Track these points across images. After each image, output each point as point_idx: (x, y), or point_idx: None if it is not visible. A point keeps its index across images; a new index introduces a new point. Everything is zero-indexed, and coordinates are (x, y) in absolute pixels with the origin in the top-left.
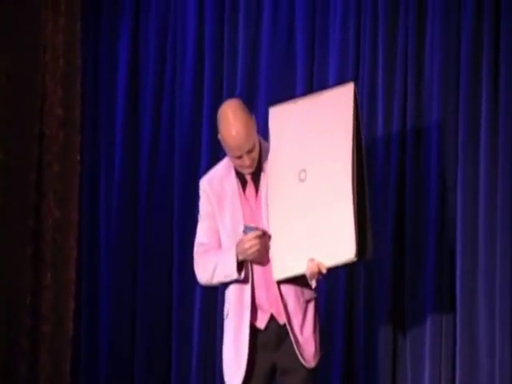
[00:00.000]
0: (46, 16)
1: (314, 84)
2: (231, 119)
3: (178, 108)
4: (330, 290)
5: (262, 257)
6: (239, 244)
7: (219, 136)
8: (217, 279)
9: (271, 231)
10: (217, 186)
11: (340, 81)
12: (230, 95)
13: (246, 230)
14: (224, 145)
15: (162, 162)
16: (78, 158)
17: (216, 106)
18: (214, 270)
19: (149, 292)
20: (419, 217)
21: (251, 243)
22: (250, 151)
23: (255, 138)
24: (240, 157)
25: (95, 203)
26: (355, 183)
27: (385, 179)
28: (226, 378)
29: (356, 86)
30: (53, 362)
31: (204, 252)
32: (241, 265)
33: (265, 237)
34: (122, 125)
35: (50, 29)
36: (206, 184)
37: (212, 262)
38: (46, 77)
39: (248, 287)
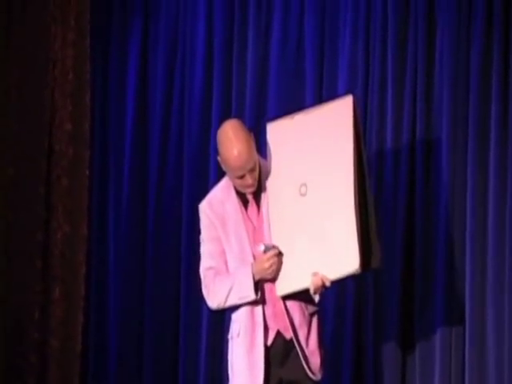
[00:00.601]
0: (55, 31)
1: (324, 98)
2: (233, 139)
3: (187, 122)
4: (338, 304)
5: (277, 274)
6: (257, 263)
7: (219, 158)
8: (230, 302)
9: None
10: (218, 208)
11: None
12: (239, 109)
13: (267, 249)
14: (225, 166)
15: (171, 176)
16: (87, 172)
17: (225, 120)
18: (229, 293)
19: (157, 306)
20: (429, 230)
21: (270, 262)
22: (252, 170)
23: (256, 156)
24: (242, 176)
25: (104, 218)
26: (357, 194)
27: (394, 191)
28: None
29: (355, 98)
30: (62, 377)
31: (214, 276)
32: (256, 285)
33: (280, 255)
34: (131, 139)
35: (60, 44)
36: (207, 208)
37: (226, 285)
38: (56, 92)
39: (259, 305)
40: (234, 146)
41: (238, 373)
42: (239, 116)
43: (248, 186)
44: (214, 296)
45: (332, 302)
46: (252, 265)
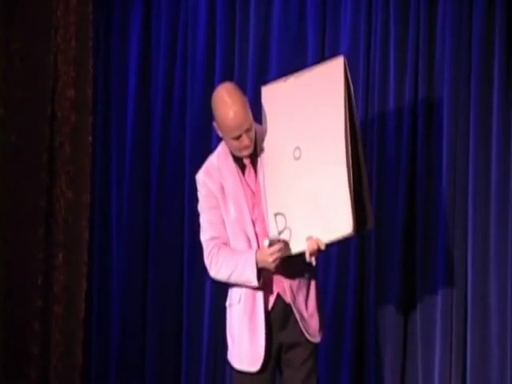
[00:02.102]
0: None
1: None
2: (228, 100)
3: (189, 88)
4: (340, 266)
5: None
6: (262, 255)
7: (215, 123)
8: (232, 281)
9: (269, 211)
10: (216, 176)
11: (351, 60)
12: (242, 75)
13: (272, 242)
14: (222, 128)
15: (174, 143)
16: (90, 139)
17: None
18: (231, 274)
19: (160, 272)
20: (431, 192)
21: (274, 257)
22: (248, 130)
23: (251, 117)
24: (239, 137)
25: (107, 184)
26: (349, 156)
27: (397, 152)
28: (238, 364)
29: (346, 59)
30: (65, 343)
31: (218, 249)
32: (259, 272)
33: (286, 246)
34: (134, 106)
35: (62, 11)
36: (205, 177)
37: (229, 266)
38: (58, 58)
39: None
40: (229, 107)
41: (239, 339)
42: (241, 83)
43: (245, 147)
44: (217, 271)
45: (334, 264)
46: (256, 252)
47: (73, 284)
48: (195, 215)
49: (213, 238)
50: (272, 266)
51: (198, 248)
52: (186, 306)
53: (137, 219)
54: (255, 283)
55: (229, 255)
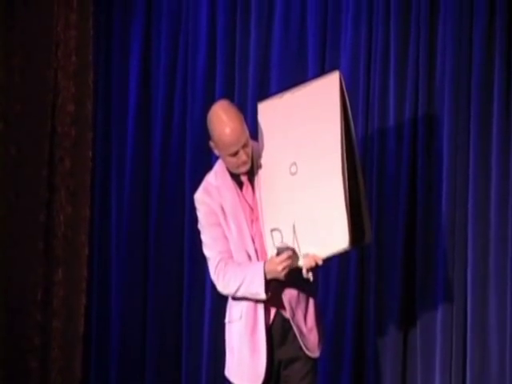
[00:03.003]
0: (58, 13)
1: None
2: (224, 117)
3: (190, 104)
4: (340, 280)
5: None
6: (270, 265)
7: (211, 143)
8: (240, 295)
9: (265, 227)
10: (216, 196)
11: (352, 76)
12: (242, 93)
13: (280, 250)
14: (219, 145)
15: (174, 159)
16: (90, 154)
17: None
18: (239, 288)
19: (160, 288)
20: (431, 205)
21: (283, 265)
22: (245, 145)
23: (247, 132)
24: (236, 153)
25: (106, 199)
26: (346, 172)
27: (397, 167)
28: (239, 381)
29: (342, 74)
30: (64, 358)
31: (225, 264)
32: (268, 284)
33: (294, 255)
34: (134, 121)
35: (62, 25)
36: (205, 196)
37: (237, 279)
38: (58, 73)
39: None
40: (225, 124)
41: (240, 356)
42: (242, 100)
43: (243, 163)
44: (225, 285)
45: (334, 278)
46: (264, 263)
47: (72, 299)
48: (195, 230)
49: (219, 253)
50: (282, 275)
51: (198, 262)
52: (185, 321)
53: (136, 234)
54: (263, 296)
55: (236, 269)
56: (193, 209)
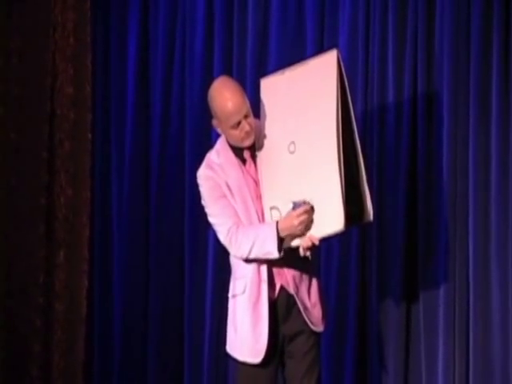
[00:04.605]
0: None
1: None
2: (224, 89)
3: (188, 84)
4: (343, 256)
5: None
6: (286, 220)
7: (213, 121)
8: (254, 255)
9: (265, 205)
10: (220, 174)
11: (350, 57)
12: (240, 76)
13: (296, 205)
14: (221, 117)
15: (173, 139)
16: (89, 136)
17: None
18: (252, 247)
19: (162, 268)
20: (432, 183)
21: (300, 219)
22: (247, 116)
23: (248, 103)
24: (239, 124)
25: (107, 181)
26: (341, 151)
27: (396, 149)
28: (240, 355)
29: (339, 52)
30: (67, 341)
31: (237, 227)
32: (281, 243)
33: (312, 210)
34: (133, 102)
35: (60, 8)
36: (208, 171)
37: (249, 240)
38: (57, 56)
39: (264, 262)
40: (226, 95)
41: (242, 329)
42: (240, 79)
43: (246, 134)
44: (238, 247)
45: (336, 257)
46: (277, 222)
47: (74, 281)
48: (196, 212)
49: (230, 218)
50: (298, 230)
51: (199, 242)
52: (187, 300)
53: (137, 215)
54: (276, 254)
55: (249, 229)
56: (194, 191)
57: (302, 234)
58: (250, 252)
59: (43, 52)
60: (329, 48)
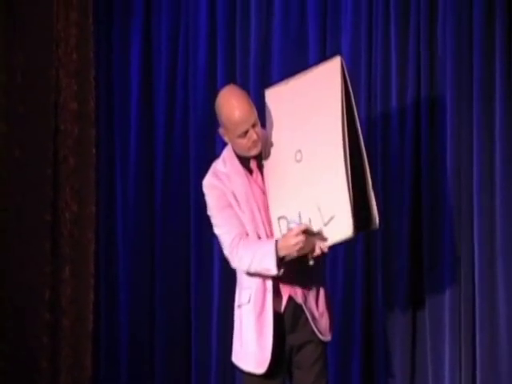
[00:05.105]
0: (58, 11)
1: None
2: (232, 98)
3: (192, 96)
4: (348, 262)
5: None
6: (284, 239)
7: (220, 129)
8: (254, 270)
9: (272, 215)
10: (226, 182)
11: (353, 63)
12: (244, 80)
13: (290, 223)
14: (229, 126)
15: (177, 154)
16: (94, 151)
17: None
18: (251, 262)
19: (167, 282)
20: (436, 186)
21: (297, 240)
22: (254, 125)
23: (256, 113)
24: (246, 133)
25: (112, 196)
26: (348, 158)
27: (400, 150)
28: (245, 365)
29: (343, 59)
30: (74, 356)
31: (239, 239)
32: (281, 261)
33: (309, 232)
34: (137, 117)
35: (63, 24)
36: (214, 180)
37: (249, 255)
38: (60, 72)
39: None
40: (234, 104)
41: (247, 340)
42: (244, 88)
43: (254, 144)
44: (239, 260)
45: (341, 263)
46: (277, 240)
47: (80, 296)
48: (201, 224)
49: (234, 229)
50: (295, 251)
51: (205, 255)
52: (193, 314)
53: (142, 229)
54: (274, 271)
55: (249, 244)
56: (198, 204)
57: (299, 255)
58: (250, 266)
59: (46, 68)
60: (331, 55)
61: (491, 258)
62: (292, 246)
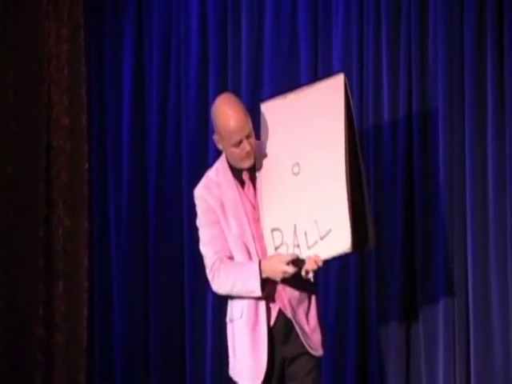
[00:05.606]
0: (48, 27)
1: (319, 76)
2: (228, 107)
3: (184, 110)
4: (341, 278)
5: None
6: (271, 262)
7: (215, 136)
8: (235, 293)
9: (265, 227)
10: (216, 192)
11: (344, 72)
12: (235, 90)
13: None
14: (223, 134)
15: (170, 168)
16: (86, 166)
17: None
18: (233, 286)
19: (161, 298)
20: (429, 200)
21: (287, 269)
22: (248, 136)
23: (251, 124)
24: (240, 143)
25: (105, 211)
26: (349, 173)
27: (392, 166)
28: (241, 380)
29: (347, 77)
30: (68, 372)
31: (220, 262)
32: (264, 282)
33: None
34: (129, 131)
35: (54, 40)
36: (204, 192)
37: (231, 278)
38: (52, 87)
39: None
40: (230, 113)
41: (241, 354)
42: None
43: (247, 155)
44: (220, 284)
45: (334, 274)
46: (260, 262)
47: (74, 312)
48: (194, 237)
49: (215, 252)
50: (279, 277)
51: (198, 269)
52: (188, 329)
53: (136, 243)
54: (258, 293)
55: (232, 267)
56: (192, 218)
57: (280, 279)
58: (231, 290)
59: (38, 84)
60: (323, 67)
61: (484, 269)
62: (279, 271)
